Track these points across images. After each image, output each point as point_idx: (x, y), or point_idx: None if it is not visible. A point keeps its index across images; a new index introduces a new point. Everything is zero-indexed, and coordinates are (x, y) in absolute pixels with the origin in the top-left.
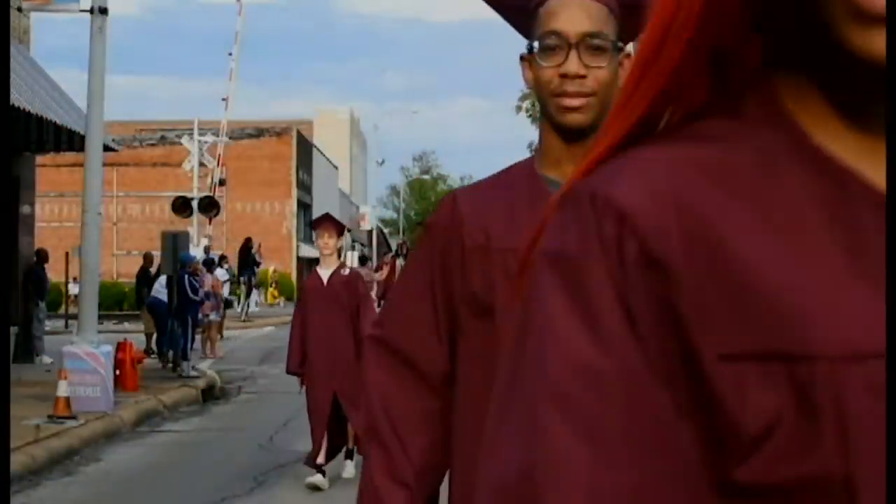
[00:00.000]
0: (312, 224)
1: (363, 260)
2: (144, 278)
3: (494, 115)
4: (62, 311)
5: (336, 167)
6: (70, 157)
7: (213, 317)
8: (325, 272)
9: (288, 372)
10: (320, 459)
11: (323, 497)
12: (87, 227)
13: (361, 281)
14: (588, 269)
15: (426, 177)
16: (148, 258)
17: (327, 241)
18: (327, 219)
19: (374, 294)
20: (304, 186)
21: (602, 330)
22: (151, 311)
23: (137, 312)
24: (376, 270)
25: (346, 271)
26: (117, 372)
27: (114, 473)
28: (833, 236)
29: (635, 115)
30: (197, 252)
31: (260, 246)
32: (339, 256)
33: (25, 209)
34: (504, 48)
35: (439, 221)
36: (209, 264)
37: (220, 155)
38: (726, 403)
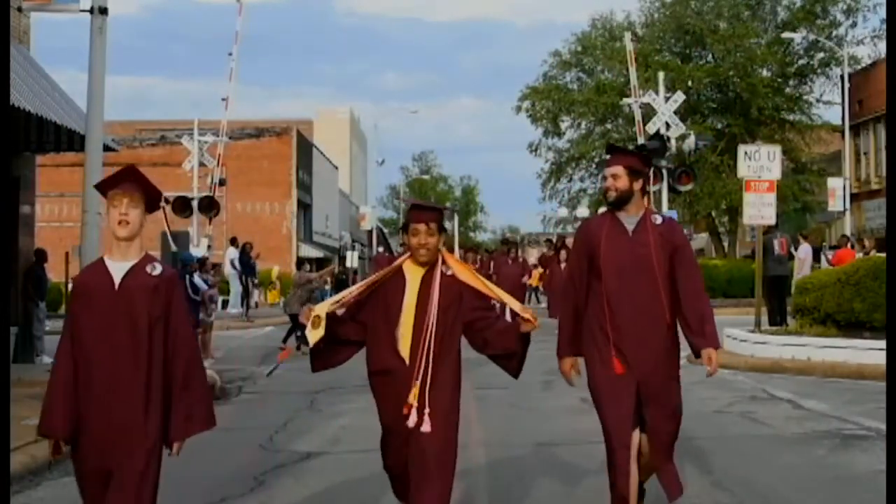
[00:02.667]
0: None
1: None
2: None
3: (494, 115)
4: (62, 311)
5: (336, 167)
6: (70, 157)
7: (207, 318)
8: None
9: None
10: None
11: (323, 497)
12: (87, 227)
13: None
14: None
15: (426, 177)
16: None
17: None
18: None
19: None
20: (304, 186)
21: None
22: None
23: None
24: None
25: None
26: None
27: None
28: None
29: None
30: (198, 251)
31: (253, 249)
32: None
33: (25, 209)
34: (504, 48)
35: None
36: (203, 264)
37: (220, 155)
38: None
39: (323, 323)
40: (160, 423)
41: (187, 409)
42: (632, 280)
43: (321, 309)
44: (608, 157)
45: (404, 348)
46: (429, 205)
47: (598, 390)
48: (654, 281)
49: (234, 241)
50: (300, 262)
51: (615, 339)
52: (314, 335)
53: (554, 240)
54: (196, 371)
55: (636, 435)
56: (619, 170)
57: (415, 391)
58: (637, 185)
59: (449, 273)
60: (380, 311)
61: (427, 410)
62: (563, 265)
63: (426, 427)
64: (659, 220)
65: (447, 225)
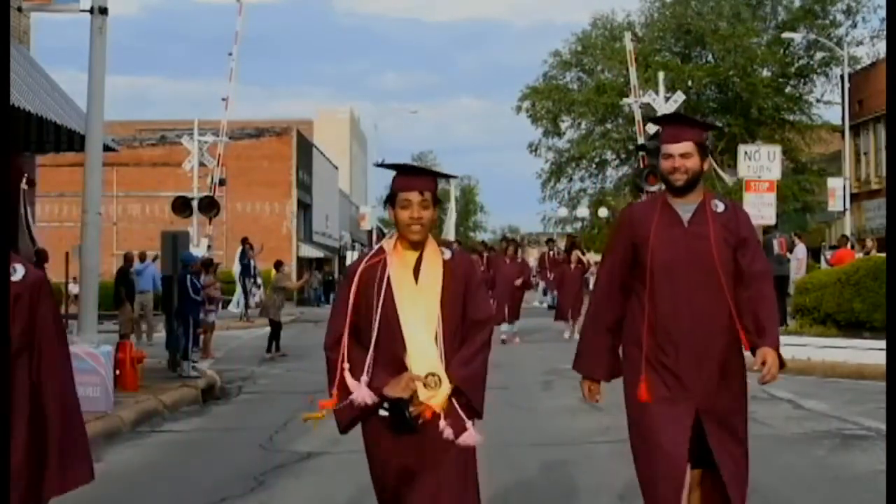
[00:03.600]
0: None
1: None
2: (124, 277)
3: (494, 115)
4: (62, 311)
5: (336, 167)
6: (70, 157)
7: (210, 318)
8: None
9: None
10: None
11: (323, 497)
12: (87, 227)
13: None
14: None
15: None
16: (128, 258)
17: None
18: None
19: None
20: (304, 186)
21: None
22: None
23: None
24: None
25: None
26: (117, 372)
27: (114, 473)
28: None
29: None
30: (199, 251)
31: (252, 247)
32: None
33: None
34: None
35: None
36: (208, 265)
37: (220, 155)
38: None
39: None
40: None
41: (61, 460)
42: (688, 281)
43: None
44: (666, 127)
45: (412, 361)
46: (422, 168)
47: (641, 422)
48: (715, 282)
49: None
50: (278, 263)
51: (665, 355)
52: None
53: (555, 239)
54: (72, 413)
55: (689, 476)
56: (689, 147)
57: (439, 394)
58: (706, 166)
59: (448, 258)
60: (366, 323)
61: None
62: (573, 266)
63: (449, 434)
64: (721, 206)
65: (452, 198)
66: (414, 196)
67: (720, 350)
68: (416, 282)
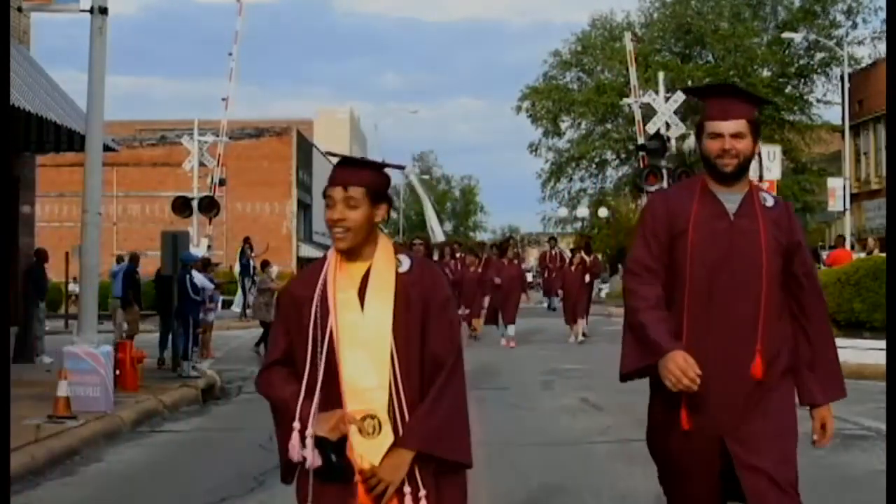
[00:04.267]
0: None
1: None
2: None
3: (494, 115)
4: (62, 311)
5: None
6: (70, 157)
7: (209, 317)
8: None
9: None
10: None
11: None
12: (87, 227)
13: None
14: None
15: (426, 177)
16: (134, 258)
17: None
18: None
19: None
20: (304, 186)
21: None
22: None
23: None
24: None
25: None
26: (117, 372)
27: (114, 473)
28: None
29: None
30: (199, 251)
31: (252, 247)
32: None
33: (25, 209)
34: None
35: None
36: (206, 264)
37: (220, 155)
38: None
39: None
40: None
41: None
42: (729, 286)
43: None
44: (713, 100)
45: (358, 402)
46: (351, 158)
47: (666, 454)
48: (755, 291)
49: (245, 241)
50: (264, 264)
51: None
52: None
53: (556, 237)
54: None
55: None
56: (742, 125)
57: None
58: (758, 149)
59: (405, 271)
60: (301, 356)
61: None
62: (574, 268)
63: None
64: (770, 200)
65: (422, 194)
66: (337, 193)
67: (751, 373)
68: (362, 307)
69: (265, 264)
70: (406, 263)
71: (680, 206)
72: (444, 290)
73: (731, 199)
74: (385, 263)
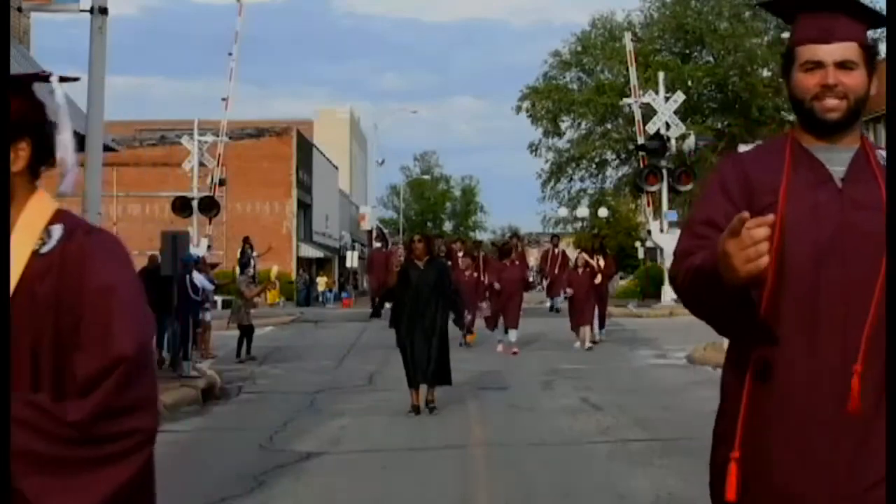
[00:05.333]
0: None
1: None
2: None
3: (494, 115)
4: None
5: (336, 167)
6: None
7: (207, 316)
8: None
9: None
10: None
11: (323, 497)
12: None
13: None
14: None
15: (426, 177)
16: (153, 259)
17: None
18: None
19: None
20: (304, 186)
21: None
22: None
23: None
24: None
25: None
26: None
27: None
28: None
29: None
30: (199, 251)
31: (252, 247)
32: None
33: None
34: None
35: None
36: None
37: (220, 155)
38: None
39: None
40: None
41: None
42: (843, 280)
43: None
44: (805, 16)
45: None
46: None
47: None
48: (880, 293)
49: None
50: (244, 265)
51: (780, 421)
52: None
53: (559, 235)
54: None
55: None
56: (852, 50)
57: None
58: (874, 89)
59: (49, 249)
60: None
61: None
62: (581, 270)
63: None
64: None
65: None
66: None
67: (868, 415)
68: None
69: (244, 267)
70: (53, 241)
71: (763, 170)
72: (104, 276)
73: (836, 159)
74: (25, 235)
